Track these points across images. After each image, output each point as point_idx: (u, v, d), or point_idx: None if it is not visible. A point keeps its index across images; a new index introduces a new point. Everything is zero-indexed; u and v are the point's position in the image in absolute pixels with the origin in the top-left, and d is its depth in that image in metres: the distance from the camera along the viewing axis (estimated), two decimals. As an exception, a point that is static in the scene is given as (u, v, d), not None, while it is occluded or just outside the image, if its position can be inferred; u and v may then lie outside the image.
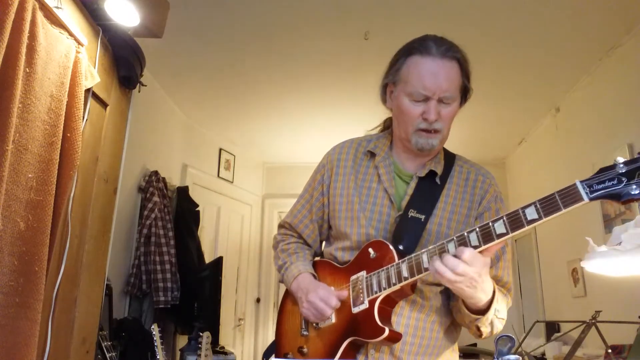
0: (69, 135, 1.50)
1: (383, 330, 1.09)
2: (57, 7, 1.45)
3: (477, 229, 0.97)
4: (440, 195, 1.22)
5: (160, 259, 3.05)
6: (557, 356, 2.91)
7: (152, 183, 3.19)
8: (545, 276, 3.93)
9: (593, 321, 1.94)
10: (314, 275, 1.27)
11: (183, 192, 3.65)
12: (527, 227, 0.92)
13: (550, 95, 3.48)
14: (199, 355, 2.30)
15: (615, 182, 0.81)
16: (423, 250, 1.05)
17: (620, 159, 0.82)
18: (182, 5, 2.50)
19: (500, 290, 1.16)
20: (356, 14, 2.63)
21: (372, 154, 1.29)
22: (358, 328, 1.13)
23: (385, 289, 1.10)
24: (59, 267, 1.52)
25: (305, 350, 1.22)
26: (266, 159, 5.05)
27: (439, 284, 1.19)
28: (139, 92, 2.11)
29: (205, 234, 4.06)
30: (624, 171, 0.81)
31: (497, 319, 1.13)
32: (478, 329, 1.13)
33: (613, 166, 0.83)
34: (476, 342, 3.67)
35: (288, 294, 1.34)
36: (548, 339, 3.24)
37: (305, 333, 1.24)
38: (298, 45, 2.95)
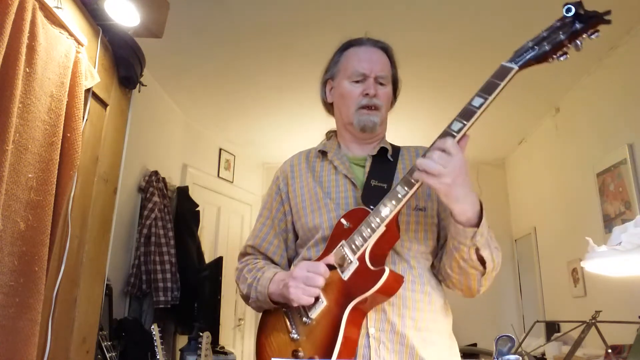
0: (69, 135, 1.50)
1: (382, 271, 1.03)
2: (57, 7, 1.45)
3: (438, 137, 1.03)
4: (396, 169, 1.27)
5: (160, 259, 3.05)
6: (557, 356, 2.91)
7: (152, 183, 3.19)
8: (545, 276, 3.93)
9: (593, 321, 1.94)
10: None
11: (183, 192, 3.65)
12: (478, 112, 1.01)
13: (550, 95, 3.48)
14: (199, 355, 2.30)
15: (530, 51, 1.00)
16: (395, 185, 1.08)
17: (529, 40, 1.01)
18: (182, 5, 2.49)
19: None
20: (356, 14, 2.63)
21: (324, 153, 1.35)
22: (355, 290, 1.05)
23: (369, 237, 1.07)
24: (59, 267, 1.52)
25: (301, 353, 1.09)
26: (266, 159, 5.05)
27: (424, 252, 1.20)
28: (139, 92, 2.11)
29: (205, 234, 4.05)
30: (532, 44, 1.00)
31: (494, 249, 1.10)
32: (479, 256, 1.06)
33: (524, 45, 1.01)
34: (476, 342, 3.67)
35: (264, 319, 1.25)
36: (548, 339, 3.24)
37: (295, 336, 1.12)
38: (298, 45, 2.95)
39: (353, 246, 1.09)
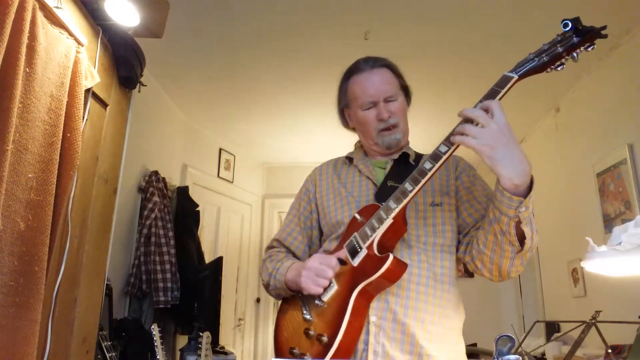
0: (69, 135, 1.50)
1: (387, 257, 1.09)
2: (57, 7, 1.45)
3: (445, 139, 1.10)
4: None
5: (160, 259, 3.05)
6: (557, 356, 2.91)
7: (152, 183, 3.19)
8: (545, 276, 3.93)
9: (593, 321, 1.94)
10: None
11: (183, 192, 3.64)
12: None
13: (550, 95, 3.48)
14: (199, 355, 2.30)
15: (530, 62, 1.08)
16: (404, 182, 1.13)
17: (530, 53, 1.09)
18: (182, 5, 2.50)
19: None
20: (356, 14, 2.63)
21: (350, 160, 1.45)
22: (362, 275, 1.13)
23: (378, 228, 1.14)
24: (59, 267, 1.52)
25: (312, 332, 1.18)
26: (266, 159, 5.05)
27: (437, 244, 1.23)
28: (139, 92, 2.11)
29: (205, 234, 4.05)
30: (533, 56, 1.08)
31: (534, 227, 1.08)
32: (519, 231, 1.04)
33: (526, 57, 1.09)
34: (476, 342, 3.67)
35: (282, 305, 1.36)
36: (548, 339, 3.24)
37: (308, 317, 1.22)
38: (298, 45, 2.95)
39: (363, 237, 1.17)
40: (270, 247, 1.49)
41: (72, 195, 1.55)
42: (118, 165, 1.95)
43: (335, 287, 1.18)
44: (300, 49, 2.99)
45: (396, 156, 1.37)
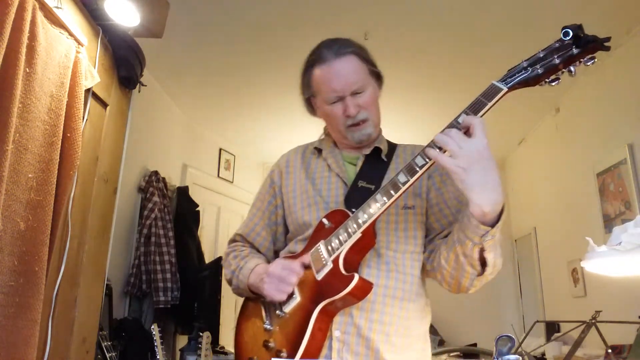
0: (69, 135, 1.50)
1: (352, 277, 1.04)
2: (57, 7, 1.45)
3: (422, 151, 1.00)
4: (388, 169, 1.26)
5: (160, 259, 3.05)
6: (557, 356, 2.91)
7: (152, 183, 3.18)
8: (545, 276, 3.93)
9: (593, 321, 1.94)
10: None
11: (183, 192, 3.64)
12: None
13: (550, 95, 3.48)
14: (199, 355, 2.30)
15: (522, 72, 0.97)
16: (375, 193, 1.05)
17: (523, 60, 0.99)
18: (182, 5, 2.49)
19: None
20: (356, 14, 2.63)
21: (319, 150, 1.35)
22: (326, 291, 1.07)
23: (345, 241, 1.07)
24: (59, 267, 1.52)
25: (271, 344, 1.13)
26: (266, 159, 5.05)
27: (406, 251, 1.17)
28: (139, 92, 2.11)
29: (205, 234, 4.05)
30: (527, 64, 0.98)
31: (499, 254, 1.05)
32: (482, 257, 1.01)
33: (518, 65, 0.99)
34: (476, 342, 3.67)
35: (244, 305, 1.31)
36: (548, 339, 3.24)
37: (269, 327, 1.16)
38: (298, 45, 2.93)
39: (329, 248, 1.11)
40: (232, 241, 1.42)
41: (72, 195, 1.55)
42: (118, 165, 1.95)
43: (298, 299, 1.13)
44: (300, 50, 2.96)
45: (368, 151, 1.28)
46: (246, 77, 3.34)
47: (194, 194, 3.78)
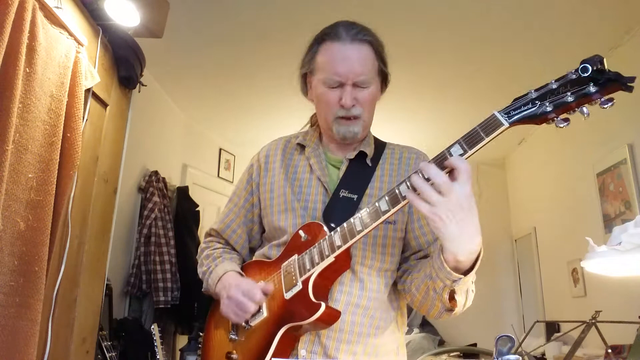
0: (69, 135, 1.50)
1: (319, 306, 0.99)
2: (57, 7, 1.45)
3: (407, 180, 0.92)
4: (373, 176, 1.18)
5: (160, 259, 3.05)
6: (557, 356, 2.91)
7: (152, 183, 3.18)
8: (545, 276, 3.93)
9: (593, 321, 1.94)
10: (241, 274, 1.19)
11: (183, 192, 3.64)
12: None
13: (550, 95, 3.48)
14: (199, 355, 2.30)
15: (529, 106, 0.85)
16: (356, 215, 0.99)
17: (532, 90, 0.86)
18: (182, 5, 2.49)
19: None
20: (356, 14, 2.63)
21: (302, 147, 1.27)
22: (292, 313, 1.03)
23: (318, 263, 1.02)
24: (59, 267, 1.52)
25: (234, 356, 1.11)
26: (266, 159, 5.05)
27: (381, 268, 1.12)
28: (139, 92, 2.11)
29: (205, 234, 4.05)
30: (535, 96, 0.85)
31: (471, 290, 1.01)
32: (452, 297, 0.98)
33: (526, 94, 0.87)
34: (476, 342, 3.67)
35: (214, 305, 1.26)
36: (548, 339, 3.24)
37: (234, 337, 1.13)
38: (298, 45, 2.93)
39: (301, 268, 1.06)
40: (208, 234, 1.37)
41: (72, 195, 1.55)
42: (118, 165, 1.95)
43: (264, 315, 1.09)
44: (300, 50, 2.97)
45: (352, 155, 1.19)
46: (246, 77, 3.34)
47: (194, 194, 3.78)
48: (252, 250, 1.33)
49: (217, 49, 3.00)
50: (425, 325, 4.17)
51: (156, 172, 3.28)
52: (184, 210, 3.56)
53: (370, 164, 1.20)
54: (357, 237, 0.99)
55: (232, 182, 4.60)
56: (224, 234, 1.33)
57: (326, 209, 1.13)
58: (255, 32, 2.81)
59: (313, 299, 1.01)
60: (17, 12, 1.24)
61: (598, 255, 1.17)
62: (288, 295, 1.06)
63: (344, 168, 1.20)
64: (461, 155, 0.89)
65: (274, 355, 1.03)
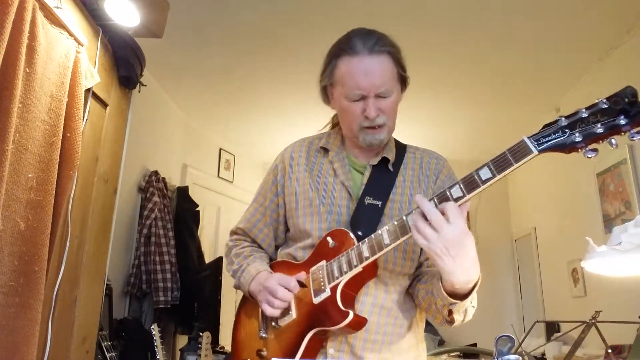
0: (69, 135, 1.50)
1: (347, 314, 1.05)
2: (57, 7, 1.45)
3: (434, 198, 0.97)
4: (396, 181, 1.22)
5: (160, 259, 3.05)
6: (557, 356, 2.91)
7: (152, 183, 3.19)
8: (545, 276, 3.93)
9: (593, 321, 1.94)
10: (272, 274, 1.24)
11: (183, 192, 3.64)
12: (482, 187, 0.93)
13: (550, 95, 3.48)
14: (199, 355, 2.30)
15: (559, 134, 0.88)
16: (383, 228, 1.04)
17: (563, 116, 0.89)
18: (182, 5, 2.49)
19: None
20: (356, 14, 2.63)
21: (326, 150, 1.30)
22: (321, 318, 1.08)
23: (346, 272, 1.07)
24: (59, 267, 1.52)
25: (264, 353, 1.16)
26: (266, 159, 5.04)
27: (401, 272, 1.17)
28: (139, 92, 2.11)
29: (205, 234, 4.05)
30: (566, 124, 0.88)
31: (471, 307, 1.07)
32: (450, 314, 1.05)
33: (556, 121, 0.89)
34: (476, 342, 3.67)
35: (244, 301, 1.31)
36: (548, 339, 3.24)
37: (264, 335, 1.18)
38: (298, 45, 2.95)
39: (329, 275, 1.10)
40: (234, 233, 1.41)
41: (72, 195, 1.55)
42: (118, 165, 1.95)
43: (293, 317, 1.13)
44: (300, 50, 2.98)
45: (375, 161, 1.23)
46: (246, 77, 3.34)
47: (194, 194, 3.78)
48: (277, 248, 1.37)
49: (217, 49, 3.00)
50: (426, 325, 4.16)
51: (156, 172, 3.28)
52: (184, 210, 3.56)
53: (392, 169, 1.23)
54: (385, 250, 1.03)
55: (232, 182, 4.60)
56: (250, 233, 1.36)
57: (353, 216, 1.17)
58: (256, 32, 2.81)
59: (342, 307, 1.06)
60: (17, 12, 1.24)
61: (598, 255, 1.17)
62: (317, 300, 1.10)
63: (367, 174, 1.23)
64: (460, 197, 0.94)
65: (302, 356, 1.08)
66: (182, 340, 3.43)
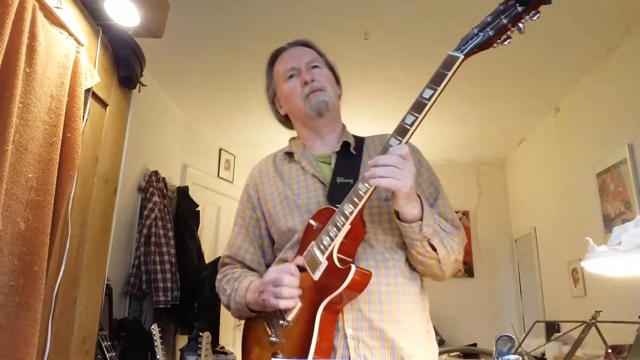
0: (69, 135, 1.50)
1: (349, 269, 1.04)
2: (57, 7, 1.45)
3: (392, 132, 1.06)
4: (362, 161, 1.27)
5: (160, 259, 3.05)
6: (557, 356, 2.91)
7: (152, 183, 3.19)
8: (545, 276, 3.93)
9: (593, 321, 1.94)
10: None
11: (183, 192, 3.64)
12: (429, 104, 1.04)
13: (550, 95, 3.48)
14: (199, 355, 2.29)
15: (475, 37, 1.02)
16: (357, 183, 1.08)
17: (474, 28, 1.04)
18: (182, 5, 2.49)
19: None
20: (356, 14, 2.63)
21: (290, 154, 1.37)
22: (326, 288, 1.07)
23: (336, 235, 1.08)
24: (59, 267, 1.52)
25: (280, 356, 1.13)
26: (266, 159, 5.05)
27: (393, 242, 1.20)
28: (139, 92, 2.11)
29: (205, 234, 4.05)
30: (477, 30, 1.03)
31: (446, 235, 1.13)
32: (432, 247, 1.11)
33: (469, 32, 1.04)
34: (476, 342, 3.67)
35: (248, 322, 1.29)
36: (548, 339, 3.24)
37: (274, 339, 1.16)
38: (298, 45, 2.95)
39: (321, 246, 1.11)
40: (223, 265, 1.40)
41: (72, 195, 1.55)
42: (118, 165, 1.95)
43: (298, 305, 1.12)
44: (300, 49, 2.98)
45: (338, 147, 1.29)
46: (246, 77, 3.34)
47: (194, 194, 3.78)
48: (267, 267, 1.34)
49: (217, 49, 3.00)
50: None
51: (156, 172, 3.28)
52: (184, 210, 3.56)
53: (355, 153, 1.29)
54: (365, 197, 1.05)
55: (232, 182, 4.60)
56: (237, 257, 1.36)
57: (328, 196, 1.21)
58: (256, 32, 2.81)
59: (341, 266, 1.06)
60: (17, 12, 1.24)
61: (598, 255, 1.17)
62: (317, 276, 1.10)
63: (333, 161, 1.29)
64: (432, 95, 1.05)
65: (319, 338, 1.05)
66: (182, 340, 3.43)
